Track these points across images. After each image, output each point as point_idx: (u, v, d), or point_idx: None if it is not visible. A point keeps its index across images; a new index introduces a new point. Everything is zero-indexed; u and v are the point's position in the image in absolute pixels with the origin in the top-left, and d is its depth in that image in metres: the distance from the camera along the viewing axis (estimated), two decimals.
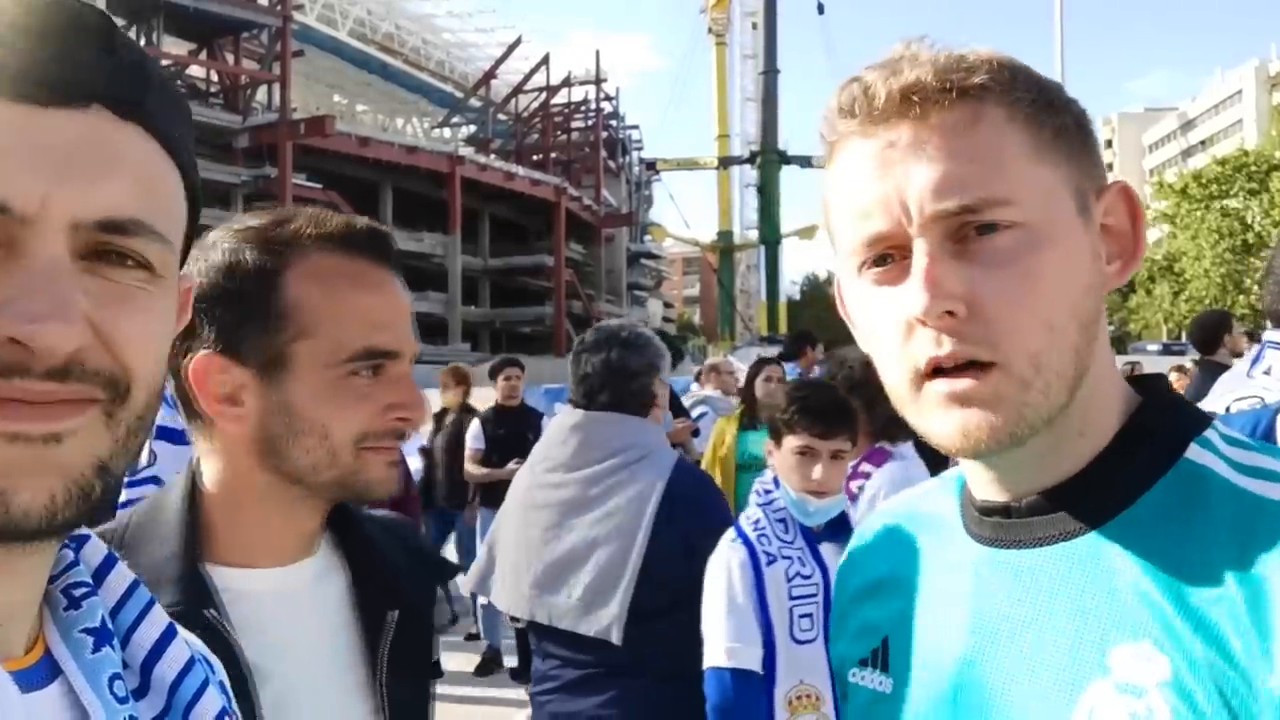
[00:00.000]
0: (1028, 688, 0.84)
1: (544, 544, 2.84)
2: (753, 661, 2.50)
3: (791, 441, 2.67)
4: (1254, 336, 7.31)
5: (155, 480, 2.16)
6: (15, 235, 0.60)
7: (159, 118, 0.68)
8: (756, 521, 2.69)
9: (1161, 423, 0.88)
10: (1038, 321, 0.82)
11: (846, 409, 2.72)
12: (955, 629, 0.92)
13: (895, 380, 0.88)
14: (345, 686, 1.28)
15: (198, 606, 1.16)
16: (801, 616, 2.56)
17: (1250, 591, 0.75)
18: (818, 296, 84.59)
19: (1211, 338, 6.05)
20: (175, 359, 1.21)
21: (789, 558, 2.61)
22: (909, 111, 0.84)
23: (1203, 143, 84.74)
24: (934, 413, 0.85)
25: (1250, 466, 0.82)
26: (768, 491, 2.75)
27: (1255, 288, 38.92)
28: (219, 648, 1.15)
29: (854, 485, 3.43)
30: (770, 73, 57.24)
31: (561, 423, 2.98)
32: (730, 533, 2.68)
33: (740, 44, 67.77)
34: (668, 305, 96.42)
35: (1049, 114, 0.86)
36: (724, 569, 2.59)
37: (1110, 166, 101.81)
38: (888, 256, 0.86)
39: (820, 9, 60.15)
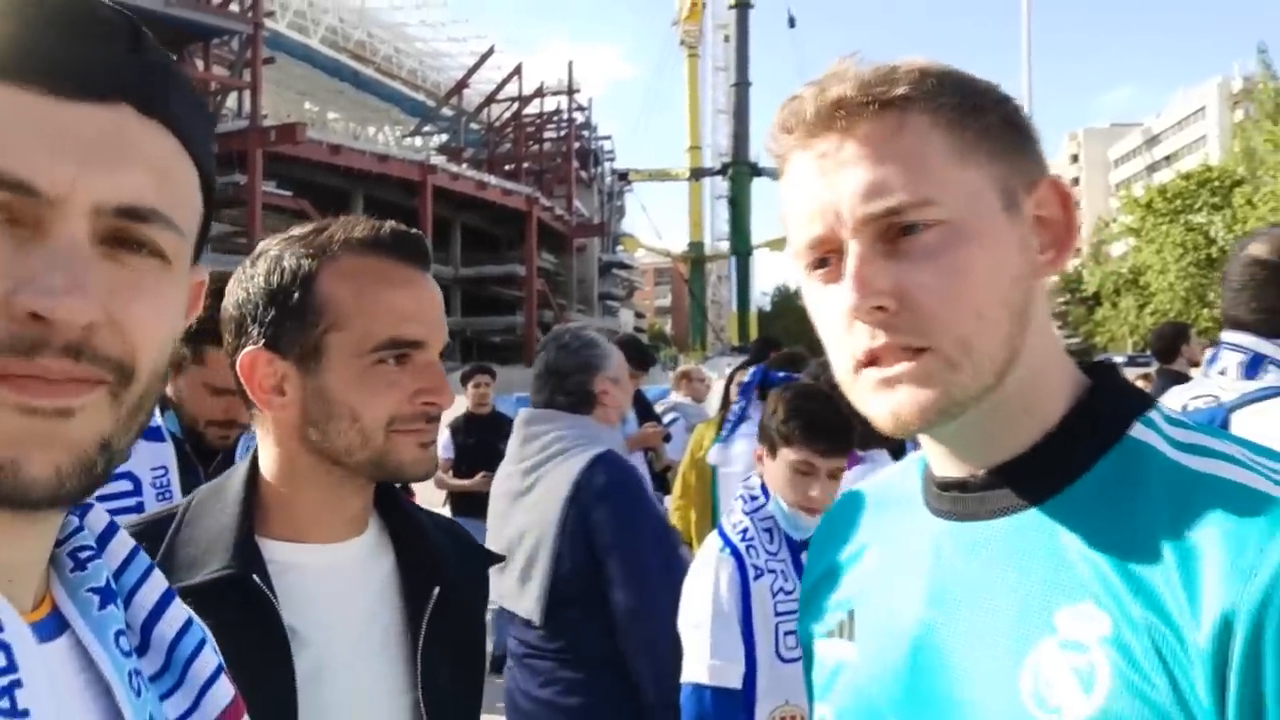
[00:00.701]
0: (981, 650, 0.89)
1: (498, 530, 3.05)
2: (734, 679, 2.46)
3: (789, 455, 2.57)
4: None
5: (129, 475, 2.16)
6: (42, 216, 0.64)
7: (180, 117, 0.73)
8: (745, 531, 2.60)
9: (1108, 403, 0.95)
10: (966, 310, 0.89)
11: (849, 427, 2.57)
12: (915, 599, 0.97)
13: (840, 370, 0.95)
14: (383, 662, 1.37)
15: (245, 571, 1.28)
16: (787, 634, 2.50)
17: (1183, 557, 0.80)
18: (788, 307, 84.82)
19: (1170, 347, 6.41)
20: (229, 355, 1.38)
21: (774, 571, 2.55)
22: (835, 124, 0.92)
23: (1167, 158, 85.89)
24: (869, 396, 0.92)
25: (1189, 444, 0.88)
26: (754, 498, 2.66)
27: (1219, 301, 39.31)
28: (260, 611, 1.27)
29: None
30: (742, 85, 57.64)
31: (517, 420, 3.24)
32: (716, 541, 2.63)
33: (712, 56, 68.13)
34: (639, 315, 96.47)
35: (973, 117, 0.92)
36: (711, 579, 2.54)
37: (1076, 181, 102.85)
38: (828, 258, 0.93)
39: (791, 23, 60.62)
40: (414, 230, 1.44)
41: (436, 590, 1.39)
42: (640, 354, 6.83)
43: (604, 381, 3.07)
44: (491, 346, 59.52)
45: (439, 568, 1.41)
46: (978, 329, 0.89)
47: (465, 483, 7.05)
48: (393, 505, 1.48)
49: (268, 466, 1.40)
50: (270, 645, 1.26)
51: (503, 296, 60.82)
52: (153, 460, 2.18)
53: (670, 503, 5.67)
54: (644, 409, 6.69)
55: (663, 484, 6.17)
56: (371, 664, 1.36)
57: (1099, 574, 0.85)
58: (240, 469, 1.41)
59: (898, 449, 3.61)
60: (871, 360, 0.91)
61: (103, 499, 2.27)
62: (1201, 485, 0.84)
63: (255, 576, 1.28)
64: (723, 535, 2.63)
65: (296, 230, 1.41)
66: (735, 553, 2.55)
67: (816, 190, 0.93)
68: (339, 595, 1.37)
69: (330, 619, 1.34)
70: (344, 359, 1.32)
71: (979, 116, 0.92)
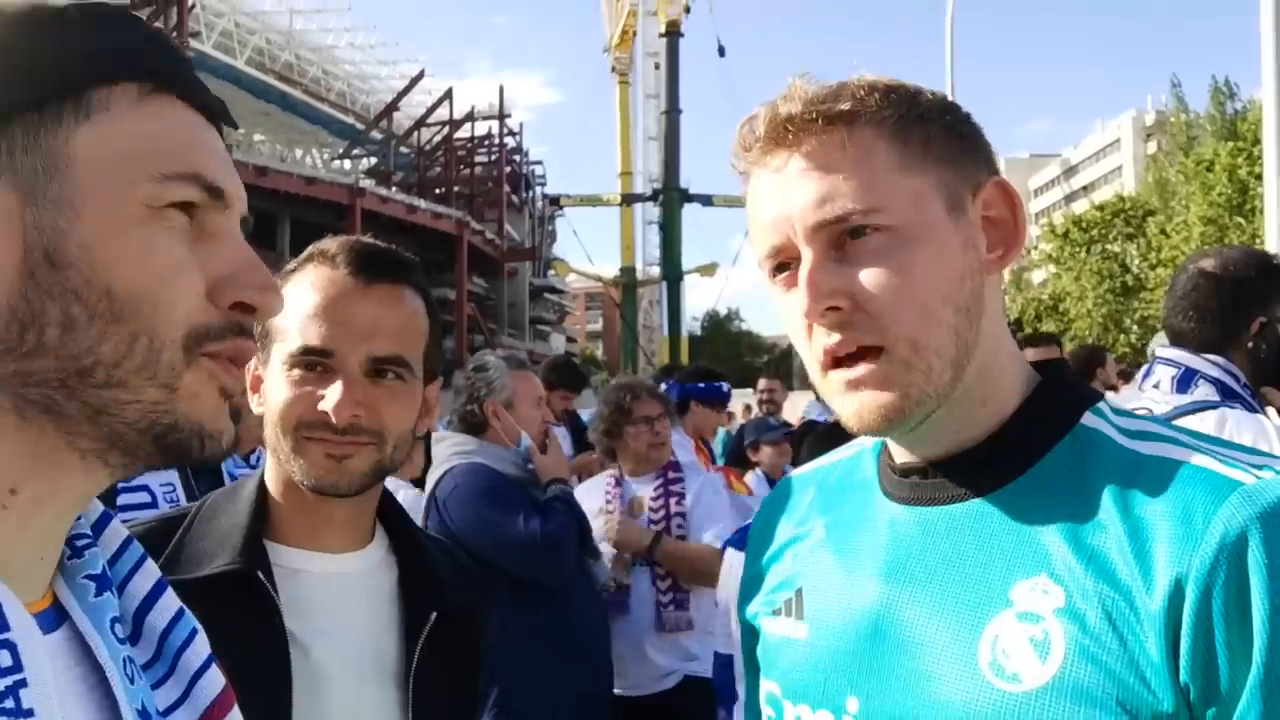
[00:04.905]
0: (940, 624, 0.95)
1: None
2: None
3: None
4: (1127, 376, 7.83)
5: (144, 488, 2.25)
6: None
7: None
8: None
9: (1059, 395, 1.02)
10: (913, 307, 0.94)
11: None
12: (872, 577, 1.03)
13: (811, 371, 1.02)
14: (376, 677, 1.37)
15: (250, 568, 1.31)
16: None
17: (1134, 530, 0.87)
18: (719, 332, 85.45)
19: (1085, 370, 6.70)
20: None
21: None
22: (786, 141, 0.98)
23: (1085, 188, 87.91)
24: (837, 398, 0.99)
25: (1134, 431, 0.97)
26: None
27: (1135, 328, 40.43)
28: (262, 610, 1.29)
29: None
30: (672, 112, 57.88)
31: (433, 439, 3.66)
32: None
33: (643, 83, 68.52)
34: (571, 340, 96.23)
35: (917, 127, 0.99)
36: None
37: None
38: (787, 265, 1.00)
39: (721, 52, 61.21)
40: (373, 242, 1.50)
41: (434, 615, 1.39)
42: (572, 375, 6.99)
43: (492, 405, 3.33)
44: None
45: (439, 592, 1.42)
46: (925, 325, 0.94)
47: None
48: (398, 524, 1.50)
49: (266, 472, 1.45)
50: (270, 644, 1.28)
51: None
52: (162, 476, 2.29)
53: None
54: (577, 429, 6.78)
55: None
56: (365, 678, 1.36)
57: (1053, 550, 0.90)
58: (255, 474, 1.45)
59: None
60: (835, 362, 0.97)
61: (126, 510, 2.38)
62: (1149, 465, 0.90)
63: (260, 574, 1.30)
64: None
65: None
66: None
67: (773, 203, 0.99)
68: (341, 606, 1.38)
69: (329, 628, 1.35)
70: (276, 366, 1.40)
71: (922, 126, 0.98)
